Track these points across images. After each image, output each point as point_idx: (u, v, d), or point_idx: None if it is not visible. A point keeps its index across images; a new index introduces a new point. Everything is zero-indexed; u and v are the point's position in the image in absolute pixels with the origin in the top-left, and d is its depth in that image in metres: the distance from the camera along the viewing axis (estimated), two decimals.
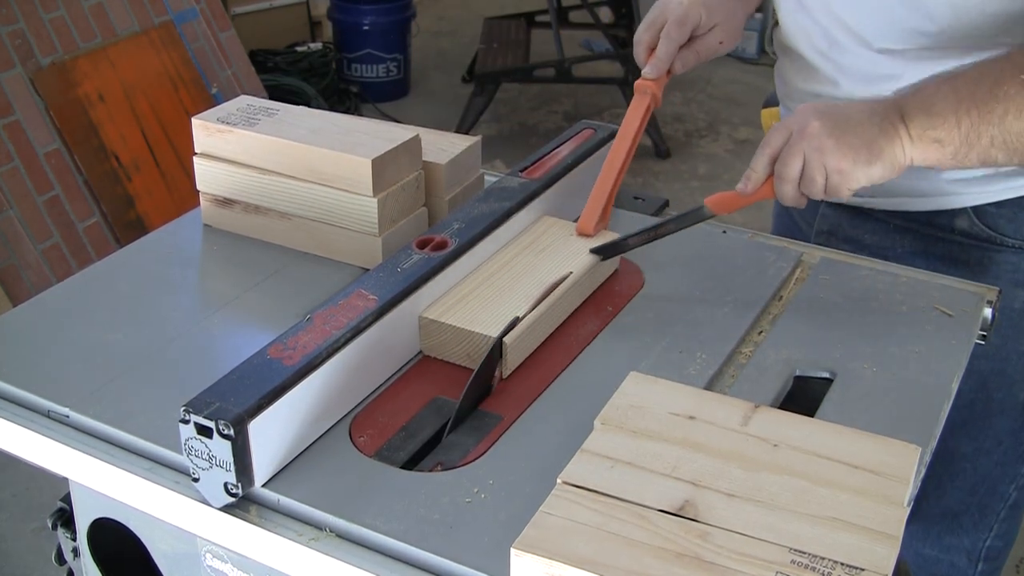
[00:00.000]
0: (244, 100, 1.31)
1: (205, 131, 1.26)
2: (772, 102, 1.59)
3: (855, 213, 1.37)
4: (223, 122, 1.25)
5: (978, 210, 1.27)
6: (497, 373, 1.04)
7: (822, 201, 1.40)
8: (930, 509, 1.42)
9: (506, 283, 1.14)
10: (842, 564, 0.75)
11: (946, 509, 1.41)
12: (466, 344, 1.06)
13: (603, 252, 1.19)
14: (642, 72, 1.28)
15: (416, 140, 1.23)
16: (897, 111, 1.07)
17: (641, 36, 1.29)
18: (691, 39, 1.28)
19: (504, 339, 1.04)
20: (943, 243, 1.30)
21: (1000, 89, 1.05)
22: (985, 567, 1.44)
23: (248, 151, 1.24)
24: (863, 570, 0.74)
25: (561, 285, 1.13)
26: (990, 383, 1.32)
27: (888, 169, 1.07)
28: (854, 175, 1.06)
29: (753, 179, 1.14)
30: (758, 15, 4.98)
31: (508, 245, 1.20)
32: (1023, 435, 1.35)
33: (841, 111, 1.08)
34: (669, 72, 1.29)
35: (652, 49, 1.28)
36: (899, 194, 1.30)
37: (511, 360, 1.05)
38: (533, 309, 1.09)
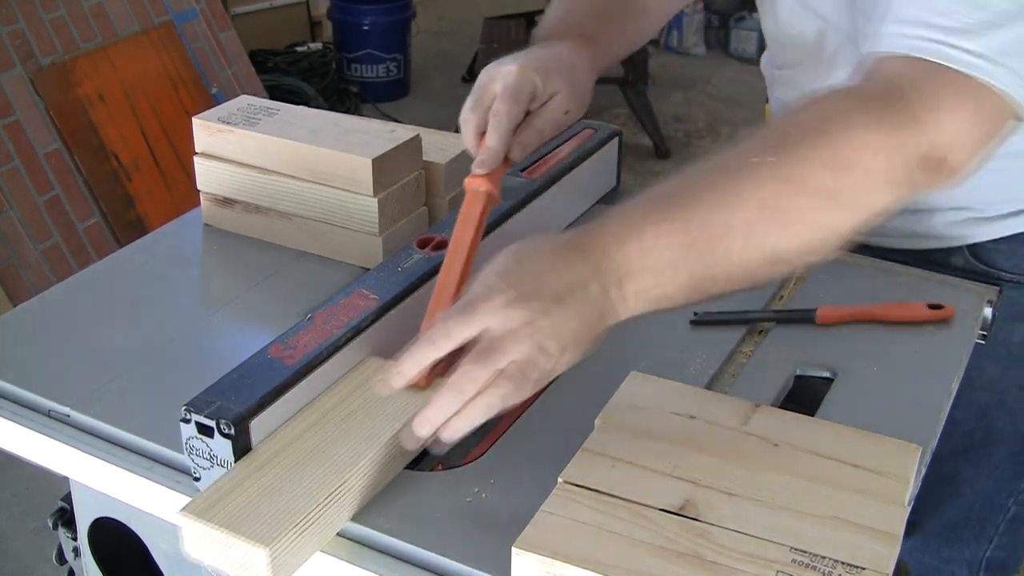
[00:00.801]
0: (245, 100, 1.31)
1: (206, 131, 1.26)
2: None
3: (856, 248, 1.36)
4: (224, 122, 1.25)
5: (974, 248, 1.24)
6: None
7: None
8: (930, 525, 1.42)
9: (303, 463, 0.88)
10: (843, 563, 0.75)
11: (945, 523, 1.41)
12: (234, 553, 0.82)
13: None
14: (472, 166, 1.03)
15: (416, 140, 1.23)
16: (614, 274, 0.83)
17: (467, 117, 1.05)
18: (528, 114, 1.05)
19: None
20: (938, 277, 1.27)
21: (718, 215, 0.84)
22: None
23: (249, 151, 1.24)
24: (864, 569, 0.74)
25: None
26: (990, 414, 1.31)
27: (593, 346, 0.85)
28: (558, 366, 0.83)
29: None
30: (756, 15, 4.98)
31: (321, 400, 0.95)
32: (1022, 457, 1.34)
33: (541, 258, 0.84)
34: (507, 160, 1.05)
35: (482, 133, 1.04)
36: (891, 235, 1.27)
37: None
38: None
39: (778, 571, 0.74)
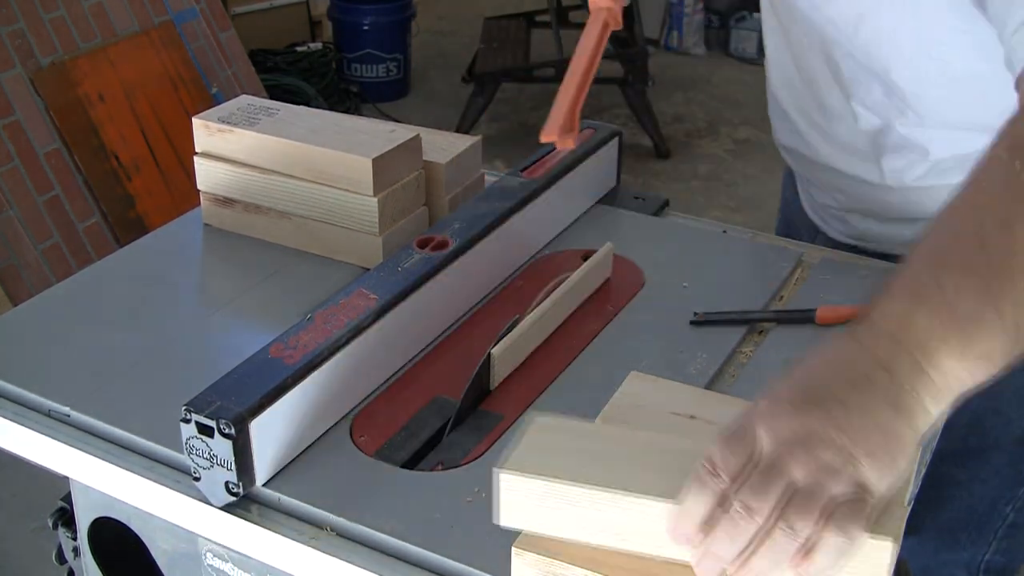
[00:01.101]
0: (245, 100, 1.31)
1: (206, 131, 1.26)
2: None
3: (851, 247, 1.35)
4: (224, 121, 1.25)
5: None
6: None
7: (820, 233, 1.40)
8: (927, 528, 1.42)
9: None
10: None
11: (942, 527, 1.41)
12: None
13: None
14: None
15: (416, 140, 1.23)
16: (908, 359, 0.68)
17: None
18: None
19: (492, 351, 1.02)
20: None
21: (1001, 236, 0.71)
22: None
23: (249, 150, 1.24)
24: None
25: (553, 293, 1.12)
26: (984, 420, 1.30)
27: (912, 455, 0.70)
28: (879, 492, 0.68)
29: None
30: (756, 15, 4.98)
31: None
32: (1020, 466, 1.34)
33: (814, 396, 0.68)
34: None
35: None
36: (888, 242, 1.27)
37: (499, 372, 1.04)
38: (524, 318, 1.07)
39: None
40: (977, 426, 1.30)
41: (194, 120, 1.27)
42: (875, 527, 0.72)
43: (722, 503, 0.65)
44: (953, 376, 0.68)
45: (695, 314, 1.12)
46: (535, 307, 1.10)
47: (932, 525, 1.41)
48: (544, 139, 1.05)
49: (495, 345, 1.03)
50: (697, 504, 0.66)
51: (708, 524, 0.66)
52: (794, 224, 1.50)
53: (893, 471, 0.67)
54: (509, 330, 1.05)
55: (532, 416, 0.81)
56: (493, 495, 0.76)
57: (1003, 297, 0.69)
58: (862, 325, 0.71)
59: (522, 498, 0.75)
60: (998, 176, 0.75)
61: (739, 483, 0.65)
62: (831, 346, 0.72)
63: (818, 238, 1.42)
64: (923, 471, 0.92)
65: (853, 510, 0.65)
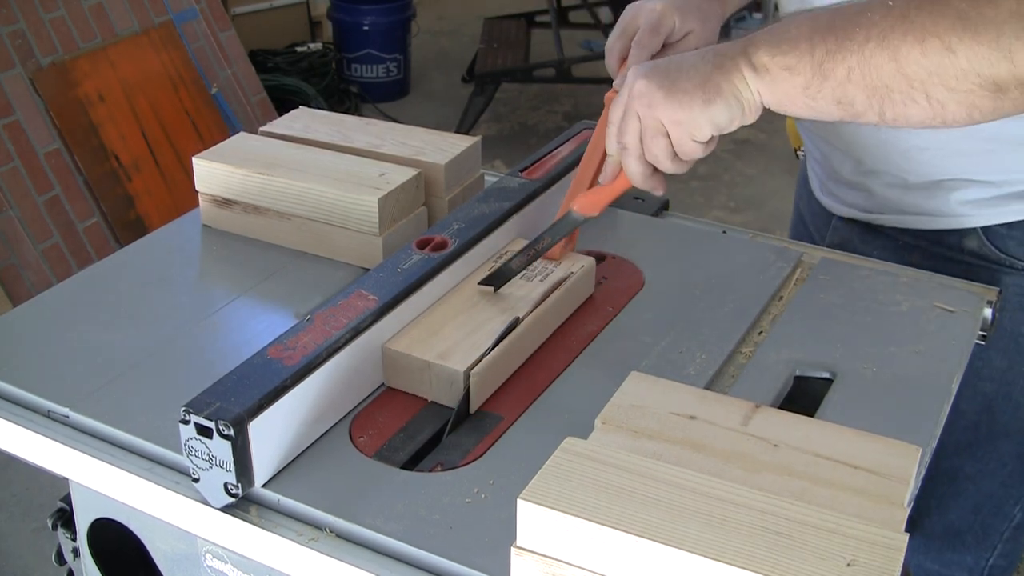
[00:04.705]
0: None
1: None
2: None
3: (865, 228, 1.36)
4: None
5: (988, 231, 1.24)
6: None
7: (833, 215, 1.40)
8: (932, 526, 1.41)
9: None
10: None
11: (948, 526, 1.41)
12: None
13: (491, 282, 1.12)
14: (613, 84, 1.15)
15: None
16: (741, 45, 0.94)
17: (613, 44, 1.19)
18: (664, 46, 1.18)
19: (470, 372, 1.00)
20: (951, 263, 1.28)
21: (864, 15, 0.89)
22: None
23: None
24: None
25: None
26: (995, 406, 1.31)
27: (734, 108, 0.95)
28: (694, 122, 0.96)
29: (609, 165, 1.06)
30: (757, 15, 4.98)
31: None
32: None
33: (672, 60, 0.99)
34: None
35: (624, 59, 1.18)
36: (909, 212, 1.28)
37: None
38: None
39: None
40: (988, 413, 1.31)
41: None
42: (882, 526, 0.73)
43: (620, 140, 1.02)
44: (762, 66, 0.93)
45: (477, 283, 1.12)
46: (510, 332, 1.06)
47: (937, 524, 1.41)
48: (547, 256, 1.16)
49: (474, 366, 1.01)
50: (610, 141, 1.04)
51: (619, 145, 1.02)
52: (805, 222, 1.50)
53: (712, 116, 0.96)
54: (508, 332, 1.05)
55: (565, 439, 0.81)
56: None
57: (822, 44, 0.90)
58: (735, 40, 0.96)
59: (539, 526, 0.75)
60: None
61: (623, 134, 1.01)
62: (701, 50, 0.99)
63: (831, 229, 1.42)
64: (923, 472, 0.92)
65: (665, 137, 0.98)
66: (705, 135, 0.97)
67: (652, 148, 1.00)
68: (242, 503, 0.90)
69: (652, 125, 0.98)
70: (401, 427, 0.99)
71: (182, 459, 0.90)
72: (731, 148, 4.23)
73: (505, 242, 1.20)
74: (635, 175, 1.03)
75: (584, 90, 4.62)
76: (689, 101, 0.95)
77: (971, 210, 1.24)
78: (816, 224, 1.47)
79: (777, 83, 0.93)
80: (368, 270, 1.14)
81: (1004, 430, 1.32)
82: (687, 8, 1.18)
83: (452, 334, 1.05)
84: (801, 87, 0.92)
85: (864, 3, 0.90)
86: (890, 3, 0.88)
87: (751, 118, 0.97)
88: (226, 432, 0.85)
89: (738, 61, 0.94)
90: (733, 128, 0.98)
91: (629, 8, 1.20)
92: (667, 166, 1.01)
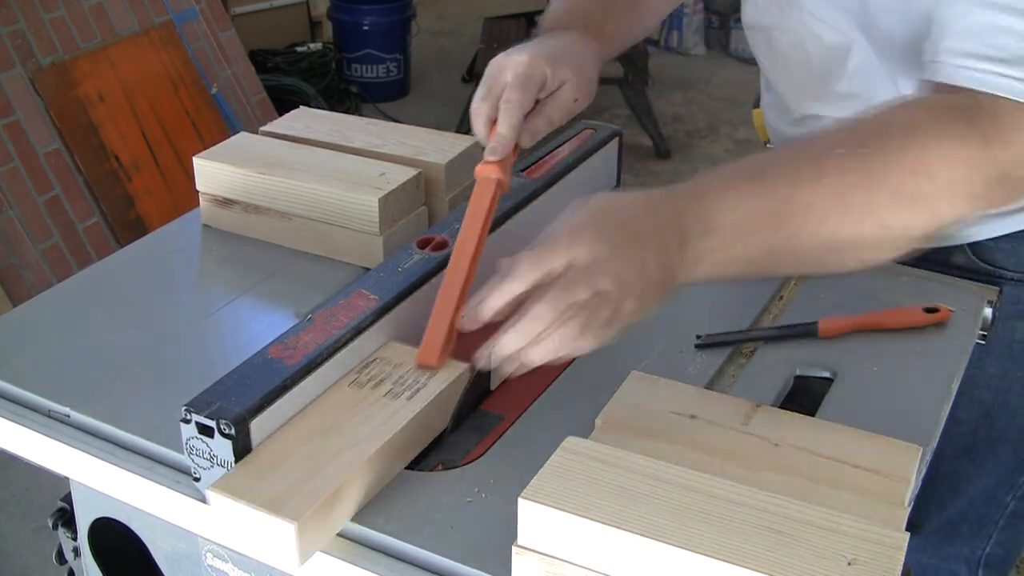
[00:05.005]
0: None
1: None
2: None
3: None
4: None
5: (975, 246, 1.24)
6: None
7: None
8: (929, 523, 1.42)
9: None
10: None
11: (945, 521, 1.41)
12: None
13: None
14: (484, 154, 1.03)
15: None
16: (677, 238, 0.86)
17: (478, 107, 1.05)
18: (537, 103, 1.06)
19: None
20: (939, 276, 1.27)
21: (798, 194, 0.87)
22: (986, 574, 1.44)
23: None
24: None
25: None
26: (993, 412, 1.31)
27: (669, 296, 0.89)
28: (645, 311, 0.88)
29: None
30: None
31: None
32: (1022, 454, 1.35)
33: (611, 220, 0.87)
34: (517, 148, 1.04)
35: (494, 122, 1.04)
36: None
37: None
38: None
39: None
40: (986, 419, 1.31)
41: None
42: (882, 525, 0.73)
43: (523, 300, 0.86)
44: (697, 261, 0.87)
45: (698, 337, 1.10)
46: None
47: (937, 520, 1.41)
48: (419, 364, 0.98)
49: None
50: (499, 298, 0.87)
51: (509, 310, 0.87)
52: None
53: (647, 308, 0.87)
54: None
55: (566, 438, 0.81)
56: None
57: (757, 237, 0.87)
58: (672, 190, 0.89)
59: (540, 525, 0.75)
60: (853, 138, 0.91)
61: (539, 291, 0.85)
62: (642, 195, 0.89)
63: None
64: (923, 471, 0.92)
65: (609, 324, 0.86)
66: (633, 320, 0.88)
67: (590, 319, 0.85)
68: None
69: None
70: None
71: (183, 458, 0.90)
72: (731, 148, 4.23)
73: (507, 240, 1.20)
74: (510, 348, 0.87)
75: None
76: (654, 294, 0.87)
77: (957, 230, 1.23)
78: None
79: (711, 275, 0.90)
80: (368, 270, 1.14)
81: (1002, 435, 1.32)
82: (558, 56, 1.08)
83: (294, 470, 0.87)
84: (731, 276, 0.93)
85: (795, 171, 0.89)
86: (824, 180, 0.88)
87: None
88: (227, 431, 0.85)
89: (681, 250, 0.87)
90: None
91: (492, 63, 1.08)
92: (587, 339, 0.87)
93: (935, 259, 1.26)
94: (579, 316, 0.84)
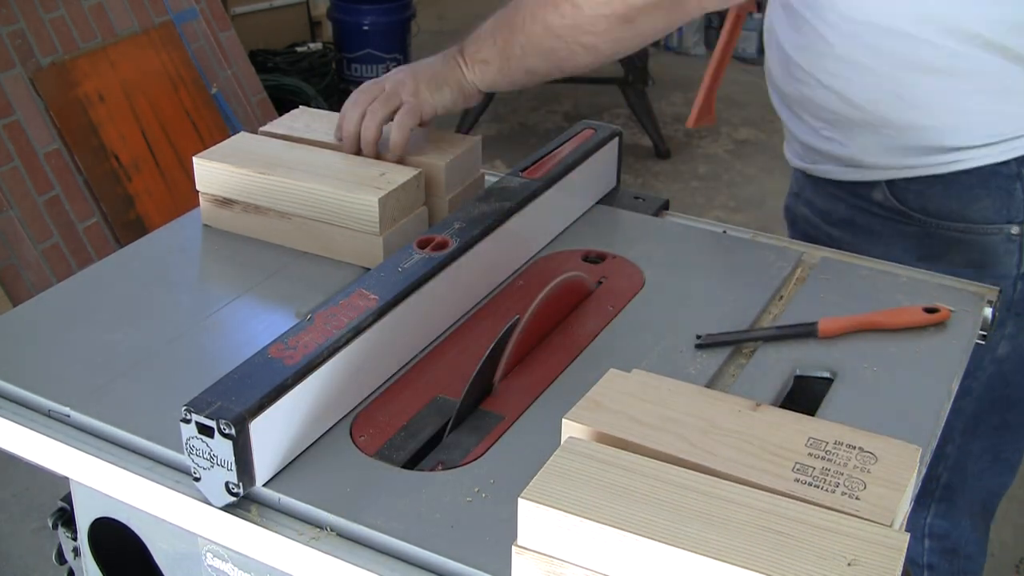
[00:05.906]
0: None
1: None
2: None
3: (813, 180, 1.44)
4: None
5: (891, 184, 1.31)
6: (498, 372, 1.04)
7: (795, 169, 1.50)
8: None
9: None
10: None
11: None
12: None
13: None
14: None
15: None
16: (459, 46, 1.29)
17: (351, 110, 1.37)
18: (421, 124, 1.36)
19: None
20: (865, 214, 1.35)
21: (521, 1, 1.22)
22: (934, 544, 1.50)
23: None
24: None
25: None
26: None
27: (457, 93, 1.29)
28: (429, 102, 1.28)
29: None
30: (757, 15, 4.97)
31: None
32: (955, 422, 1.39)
33: (421, 62, 1.32)
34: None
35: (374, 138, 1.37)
36: (825, 162, 1.37)
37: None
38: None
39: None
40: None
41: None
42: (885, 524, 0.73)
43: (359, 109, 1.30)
44: (470, 61, 1.28)
45: (698, 337, 1.11)
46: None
47: None
48: (690, 125, 1.49)
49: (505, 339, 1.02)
50: (346, 118, 1.30)
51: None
52: (795, 211, 1.51)
53: (442, 98, 1.30)
54: (509, 331, 1.05)
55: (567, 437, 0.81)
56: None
57: (500, 35, 1.26)
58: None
59: (540, 525, 0.75)
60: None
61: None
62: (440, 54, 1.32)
63: (792, 179, 1.50)
64: (923, 472, 0.93)
65: (412, 105, 1.28)
66: (435, 111, 1.30)
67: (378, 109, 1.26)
68: (243, 502, 0.90)
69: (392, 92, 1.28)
70: (402, 426, 0.99)
71: (183, 458, 0.90)
72: (731, 148, 4.23)
73: (507, 240, 1.20)
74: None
75: (584, 90, 4.62)
76: (428, 86, 1.28)
77: (873, 159, 1.30)
78: (799, 224, 1.51)
79: (483, 72, 1.28)
80: (369, 270, 1.14)
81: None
82: (420, 73, 1.33)
83: None
84: (497, 71, 1.27)
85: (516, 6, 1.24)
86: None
87: (473, 101, 1.32)
88: (227, 431, 0.85)
89: (457, 59, 1.28)
90: (457, 110, 1.33)
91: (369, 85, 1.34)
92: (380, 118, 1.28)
93: (861, 194, 1.34)
94: (385, 95, 1.28)
